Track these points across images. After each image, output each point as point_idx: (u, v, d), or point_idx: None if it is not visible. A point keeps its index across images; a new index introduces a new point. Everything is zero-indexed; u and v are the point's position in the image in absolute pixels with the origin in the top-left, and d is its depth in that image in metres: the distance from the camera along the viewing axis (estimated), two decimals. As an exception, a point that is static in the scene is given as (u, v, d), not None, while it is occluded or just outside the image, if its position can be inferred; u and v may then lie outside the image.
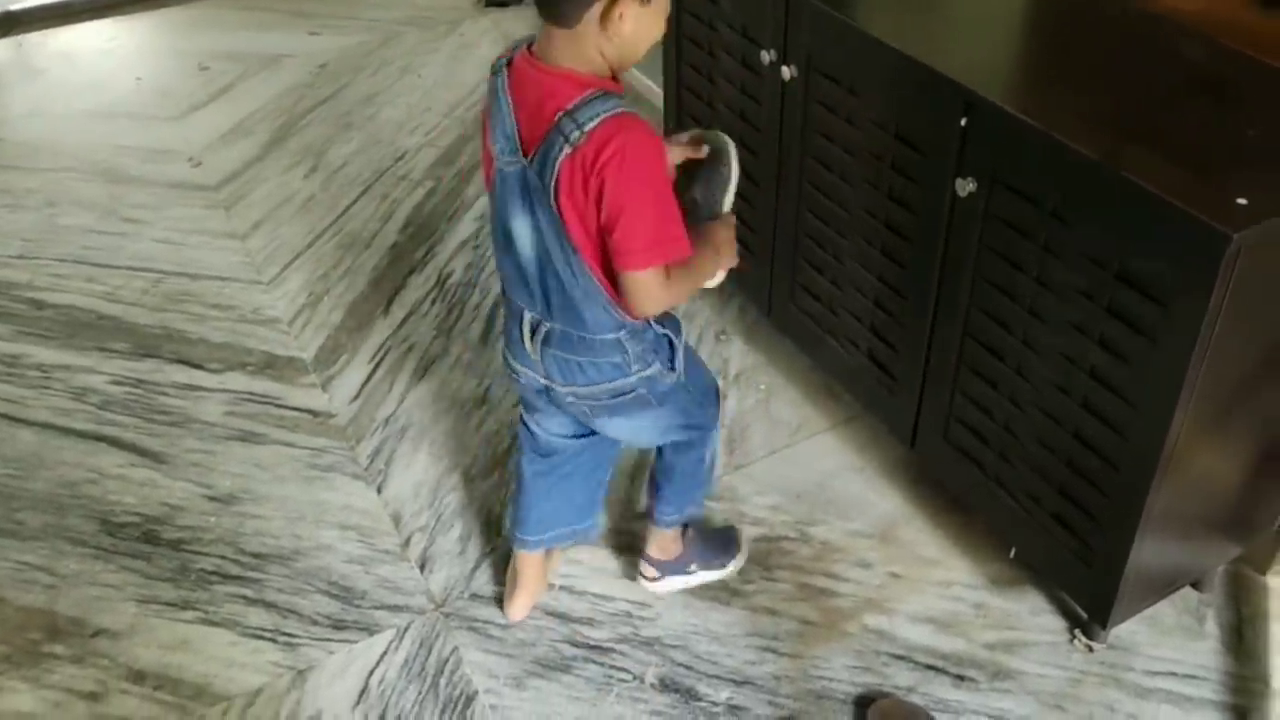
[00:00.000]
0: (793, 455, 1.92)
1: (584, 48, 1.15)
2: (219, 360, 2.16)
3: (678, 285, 1.24)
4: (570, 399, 1.39)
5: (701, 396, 1.49)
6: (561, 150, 1.14)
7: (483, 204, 2.58)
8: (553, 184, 1.16)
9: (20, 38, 3.35)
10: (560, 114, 1.14)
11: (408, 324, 2.25)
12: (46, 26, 3.40)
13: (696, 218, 1.31)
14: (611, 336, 1.29)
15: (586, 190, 1.15)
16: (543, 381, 1.38)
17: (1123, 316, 1.26)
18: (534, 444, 1.56)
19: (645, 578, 1.68)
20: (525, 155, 1.18)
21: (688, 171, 1.35)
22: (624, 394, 1.36)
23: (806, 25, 1.65)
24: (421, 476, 1.91)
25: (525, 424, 1.55)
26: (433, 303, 2.30)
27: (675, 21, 2.02)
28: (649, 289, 1.21)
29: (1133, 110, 1.32)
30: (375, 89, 3.06)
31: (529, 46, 1.20)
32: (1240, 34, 1.43)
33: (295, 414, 2.05)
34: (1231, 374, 1.27)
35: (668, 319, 1.36)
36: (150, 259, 2.43)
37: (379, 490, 1.89)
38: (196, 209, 2.60)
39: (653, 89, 2.84)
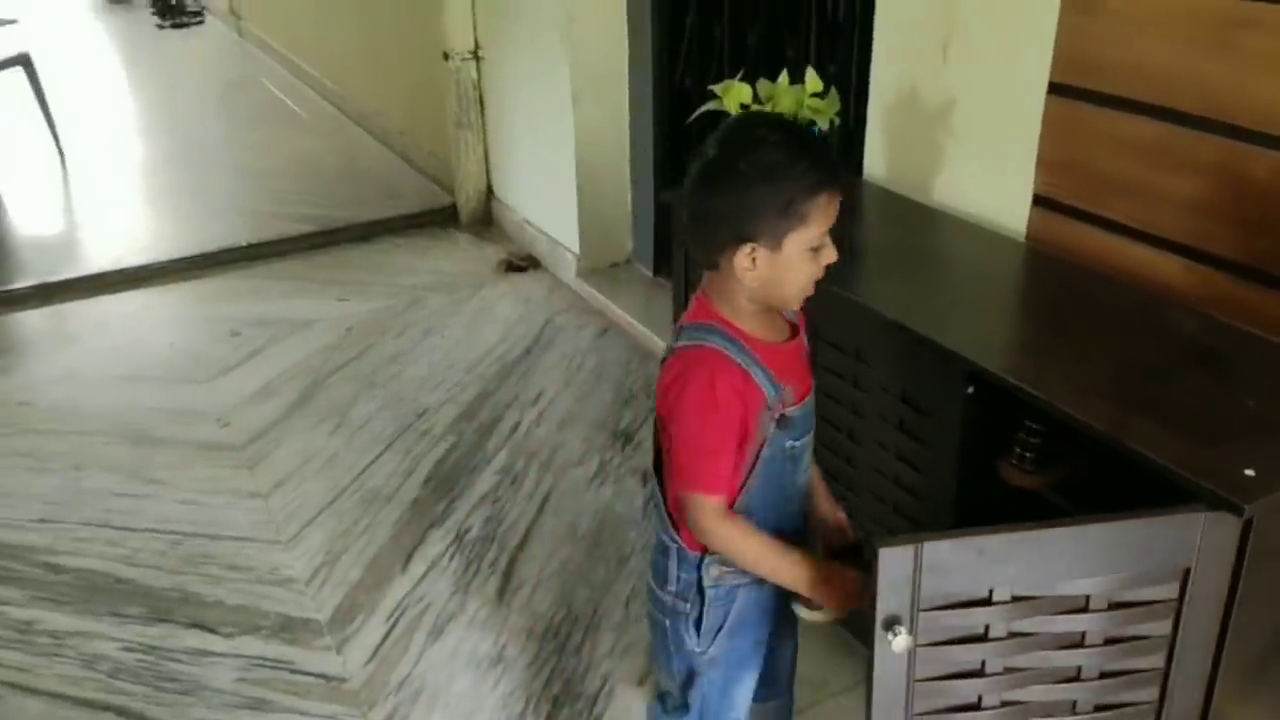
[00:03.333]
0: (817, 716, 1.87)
1: (724, 284, 1.27)
2: (233, 624, 2.15)
3: (736, 539, 1.28)
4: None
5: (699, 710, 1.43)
6: (664, 360, 1.31)
7: (502, 459, 2.65)
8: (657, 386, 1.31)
9: (57, 307, 3.53)
10: (677, 327, 1.31)
11: (426, 580, 2.25)
12: (82, 297, 3.59)
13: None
14: (664, 539, 1.36)
15: (661, 402, 1.29)
16: None
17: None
18: None
19: None
20: None
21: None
22: (655, 603, 1.41)
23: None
24: (435, 745, 1.86)
25: None
26: (451, 558, 2.31)
27: (685, 290, 2.15)
28: (690, 511, 1.28)
29: (1130, 382, 1.39)
30: (399, 349, 3.21)
31: None
32: (1231, 308, 1.53)
33: (308, 679, 2.01)
34: (1257, 639, 1.27)
35: (718, 587, 1.35)
36: (172, 520, 2.46)
37: (392, 760, 1.83)
38: (222, 469, 2.65)
39: (661, 346, 2.97)
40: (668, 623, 1.40)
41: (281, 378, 3.06)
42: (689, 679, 1.43)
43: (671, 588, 1.37)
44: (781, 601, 1.39)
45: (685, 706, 1.47)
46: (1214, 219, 1.54)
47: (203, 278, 3.73)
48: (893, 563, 1.09)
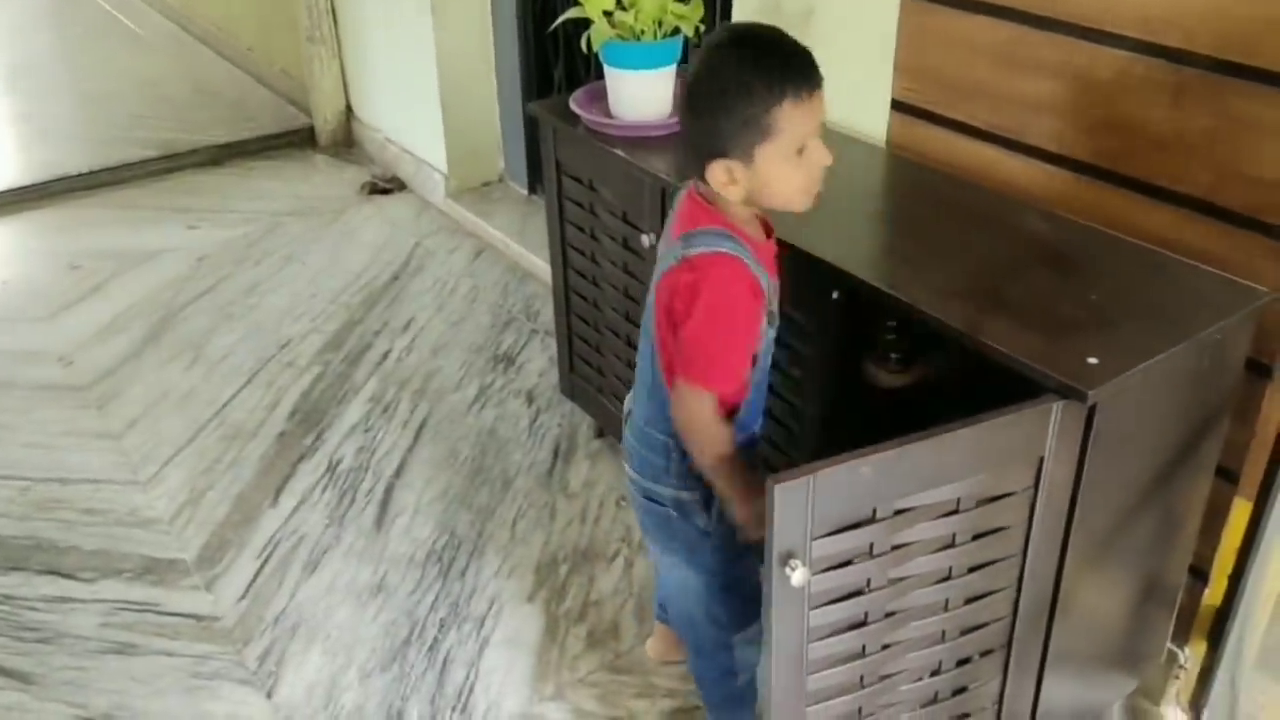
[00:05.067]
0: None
1: (716, 192, 1.27)
2: (93, 568, 2.05)
3: (721, 444, 1.29)
4: (630, 483, 1.47)
5: (733, 585, 1.46)
6: (669, 263, 1.29)
7: (372, 388, 2.58)
8: (655, 285, 1.32)
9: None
10: (682, 233, 1.29)
11: (298, 514, 2.19)
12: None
13: None
14: (661, 437, 1.37)
15: (672, 304, 1.28)
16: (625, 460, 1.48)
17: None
18: None
19: None
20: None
21: None
22: (656, 503, 1.41)
23: (682, 210, 1.76)
24: (315, 676, 1.83)
25: None
26: (323, 490, 2.25)
27: (559, 207, 2.11)
28: (687, 402, 1.28)
29: (985, 281, 1.43)
30: (257, 279, 3.07)
31: None
32: (1078, 206, 1.59)
33: (176, 620, 1.94)
34: (1102, 517, 1.35)
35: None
36: (18, 465, 2.32)
37: (269, 695, 1.79)
38: (67, 410, 2.51)
39: (540, 266, 2.94)
40: (674, 514, 1.41)
41: (129, 312, 2.90)
42: (723, 560, 1.44)
43: (673, 480, 1.39)
44: None
45: (721, 625, 1.49)
46: (1061, 119, 1.59)
47: (36, 209, 3.48)
48: (788, 496, 1.09)
